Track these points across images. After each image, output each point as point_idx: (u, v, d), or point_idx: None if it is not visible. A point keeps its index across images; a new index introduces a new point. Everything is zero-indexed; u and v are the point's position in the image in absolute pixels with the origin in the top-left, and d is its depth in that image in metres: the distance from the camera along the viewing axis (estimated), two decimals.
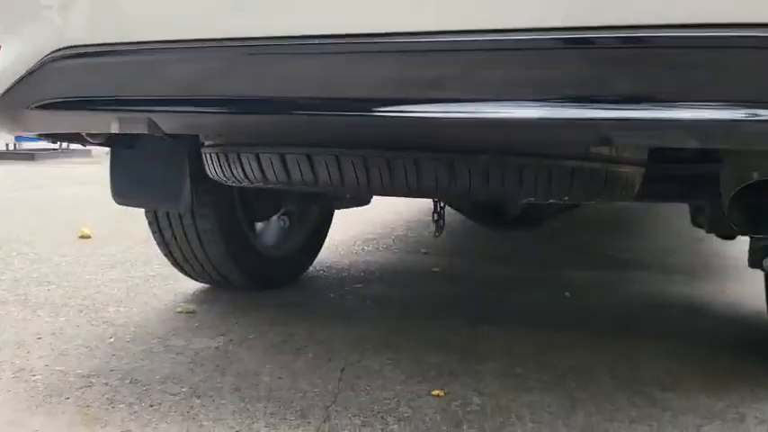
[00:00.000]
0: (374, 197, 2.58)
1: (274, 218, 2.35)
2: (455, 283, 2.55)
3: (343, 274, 2.63)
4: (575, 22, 0.78)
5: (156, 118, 1.01)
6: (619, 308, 2.24)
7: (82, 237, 3.35)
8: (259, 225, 2.37)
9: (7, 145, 11.74)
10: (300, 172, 1.16)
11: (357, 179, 1.13)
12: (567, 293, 2.39)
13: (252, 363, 1.66)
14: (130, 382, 1.52)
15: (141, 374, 1.57)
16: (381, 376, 1.58)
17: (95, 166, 8.01)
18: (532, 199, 1.17)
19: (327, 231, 2.64)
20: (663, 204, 5.07)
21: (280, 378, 1.56)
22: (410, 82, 0.87)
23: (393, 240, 3.42)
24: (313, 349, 1.76)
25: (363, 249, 3.16)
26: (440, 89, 0.85)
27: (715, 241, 3.46)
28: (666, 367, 1.67)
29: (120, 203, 1.95)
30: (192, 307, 2.13)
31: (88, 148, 10.64)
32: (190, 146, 1.81)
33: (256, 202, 2.26)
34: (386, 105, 0.87)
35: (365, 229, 3.75)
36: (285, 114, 0.93)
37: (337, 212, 2.71)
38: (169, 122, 1.04)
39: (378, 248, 3.20)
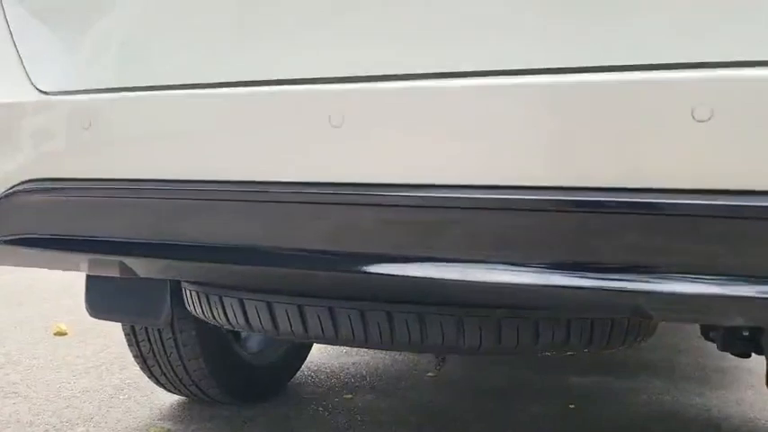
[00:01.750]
0: None
1: None
2: (451, 390, 2.40)
3: (332, 381, 2.48)
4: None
5: (129, 262, 0.91)
6: (630, 421, 2.09)
7: (57, 333, 3.17)
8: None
9: None
10: (290, 323, 1.06)
11: (353, 334, 1.02)
12: (571, 405, 2.25)
13: None
14: None
15: None
16: None
17: None
18: (548, 353, 1.06)
19: None
20: None
21: None
22: (410, 239, 0.77)
23: None
24: None
25: (353, 350, 3.01)
26: (447, 250, 0.76)
27: None
28: None
29: (94, 317, 1.81)
30: (167, 425, 1.97)
31: None
32: None
33: None
34: (387, 263, 0.78)
35: None
36: (272, 267, 0.83)
37: None
38: (144, 267, 0.94)
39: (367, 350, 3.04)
